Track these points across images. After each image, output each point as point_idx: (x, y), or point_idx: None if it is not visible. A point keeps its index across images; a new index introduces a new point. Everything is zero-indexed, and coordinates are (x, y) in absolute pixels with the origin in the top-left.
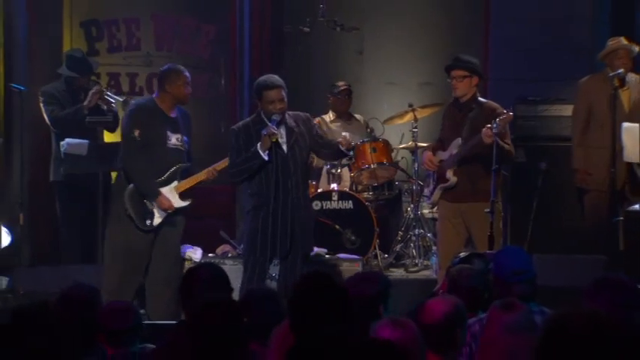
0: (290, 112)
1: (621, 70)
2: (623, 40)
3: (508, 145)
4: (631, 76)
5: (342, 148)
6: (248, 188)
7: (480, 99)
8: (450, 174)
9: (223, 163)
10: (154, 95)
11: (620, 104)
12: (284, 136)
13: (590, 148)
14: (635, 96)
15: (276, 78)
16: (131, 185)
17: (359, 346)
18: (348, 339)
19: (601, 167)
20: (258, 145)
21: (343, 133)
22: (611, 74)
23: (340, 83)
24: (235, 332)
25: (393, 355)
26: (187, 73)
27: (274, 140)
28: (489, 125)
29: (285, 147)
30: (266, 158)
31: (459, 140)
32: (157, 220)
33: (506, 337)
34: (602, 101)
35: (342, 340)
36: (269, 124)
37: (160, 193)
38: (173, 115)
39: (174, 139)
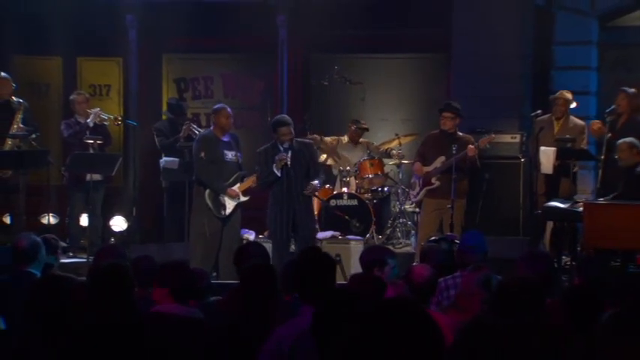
0: (298, 139)
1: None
2: (564, 93)
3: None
4: (572, 120)
5: (306, 192)
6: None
7: (459, 133)
8: (434, 180)
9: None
10: (211, 127)
11: (552, 133)
12: (291, 158)
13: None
14: (563, 131)
15: (287, 118)
16: (208, 190)
17: (380, 304)
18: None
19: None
20: (274, 165)
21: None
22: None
23: (363, 122)
24: (270, 287)
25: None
26: (229, 110)
27: (283, 164)
28: (476, 144)
29: (292, 165)
30: (278, 174)
31: (442, 158)
32: (229, 210)
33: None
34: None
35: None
36: (281, 150)
37: (227, 188)
38: (225, 139)
39: (230, 155)
